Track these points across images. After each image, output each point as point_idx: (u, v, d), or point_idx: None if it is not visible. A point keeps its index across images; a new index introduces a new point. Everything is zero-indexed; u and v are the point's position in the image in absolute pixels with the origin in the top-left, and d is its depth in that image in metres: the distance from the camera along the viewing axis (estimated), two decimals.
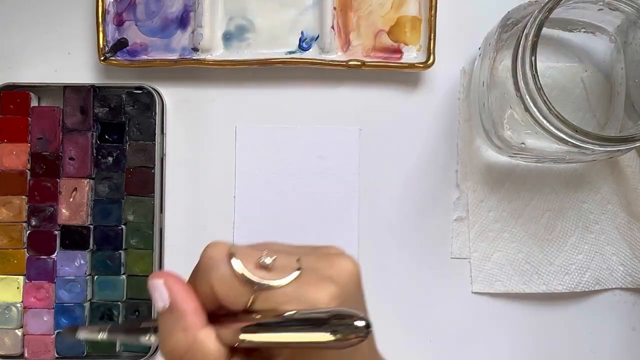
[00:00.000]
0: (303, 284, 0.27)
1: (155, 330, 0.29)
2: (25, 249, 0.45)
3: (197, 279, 0.29)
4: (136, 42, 0.46)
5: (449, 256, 0.46)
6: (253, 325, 0.27)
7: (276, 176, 0.47)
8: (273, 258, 0.28)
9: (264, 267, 0.28)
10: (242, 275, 0.27)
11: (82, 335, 0.31)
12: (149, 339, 0.30)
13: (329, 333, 0.25)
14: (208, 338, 0.27)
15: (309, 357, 0.27)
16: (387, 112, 0.47)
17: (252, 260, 0.28)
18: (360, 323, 0.25)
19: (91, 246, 0.45)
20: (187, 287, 0.29)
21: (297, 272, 0.28)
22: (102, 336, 0.30)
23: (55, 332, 0.44)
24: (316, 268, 0.29)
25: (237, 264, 0.28)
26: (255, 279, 0.27)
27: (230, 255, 0.28)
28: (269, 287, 0.27)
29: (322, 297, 0.27)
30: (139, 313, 0.45)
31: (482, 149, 0.46)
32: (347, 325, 0.25)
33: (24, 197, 0.45)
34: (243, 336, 0.27)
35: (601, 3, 0.39)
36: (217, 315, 0.29)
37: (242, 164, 0.47)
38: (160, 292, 0.28)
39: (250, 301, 0.27)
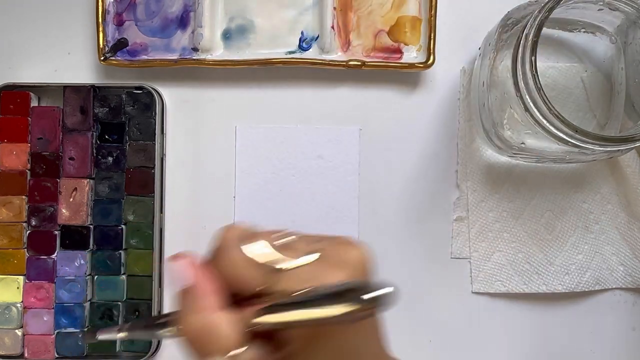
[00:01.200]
0: (317, 267, 0.27)
1: (171, 323, 0.29)
2: (25, 249, 0.45)
3: (213, 262, 0.29)
4: (136, 42, 0.46)
5: (449, 256, 0.46)
6: (267, 307, 0.26)
7: (276, 176, 0.47)
8: (290, 239, 0.28)
9: (280, 248, 0.28)
10: (257, 257, 0.27)
11: (102, 336, 0.31)
12: (167, 333, 0.29)
13: (342, 305, 0.24)
14: (223, 321, 0.27)
15: (322, 345, 0.27)
16: (387, 112, 0.47)
17: (267, 242, 0.28)
18: (382, 291, 0.24)
19: (91, 246, 0.45)
20: (206, 269, 0.29)
21: (315, 256, 0.28)
22: (122, 335, 0.30)
23: (55, 332, 0.44)
24: (330, 254, 0.28)
25: (253, 247, 0.28)
26: (270, 260, 0.27)
27: (246, 237, 0.28)
28: (283, 270, 0.27)
29: (335, 281, 0.27)
30: (139, 313, 0.45)
31: (482, 149, 0.46)
32: (361, 299, 0.24)
33: (24, 197, 0.45)
34: (257, 319, 0.26)
35: (601, 3, 0.39)
36: (237, 299, 0.28)
37: (242, 164, 0.47)
38: (181, 272, 0.28)
39: (265, 284, 0.27)
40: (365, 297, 0.24)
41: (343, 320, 0.25)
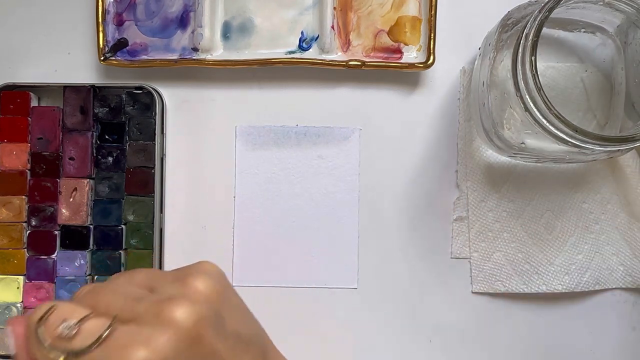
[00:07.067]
0: (111, 349, 0.26)
1: None
2: (25, 249, 0.45)
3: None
4: (136, 42, 0.46)
5: (449, 256, 0.46)
6: None
7: (276, 176, 0.47)
8: (72, 324, 0.27)
9: (65, 337, 0.27)
10: (48, 345, 0.27)
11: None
12: None
13: None
14: None
15: None
16: (387, 112, 0.47)
17: (57, 328, 0.27)
18: None
19: (91, 246, 0.45)
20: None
21: (106, 332, 0.27)
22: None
23: None
24: (140, 322, 0.27)
25: (38, 339, 0.27)
26: (53, 351, 0.27)
27: (36, 328, 0.27)
28: (75, 355, 0.27)
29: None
30: None
31: (482, 149, 0.46)
32: None
33: (24, 197, 0.45)
34: None
35: (601, 3, 0.39)
36: None
37: (242, 164, 0.47)
38: (10, 339, 0.29)
39: None
40: None
41: None
